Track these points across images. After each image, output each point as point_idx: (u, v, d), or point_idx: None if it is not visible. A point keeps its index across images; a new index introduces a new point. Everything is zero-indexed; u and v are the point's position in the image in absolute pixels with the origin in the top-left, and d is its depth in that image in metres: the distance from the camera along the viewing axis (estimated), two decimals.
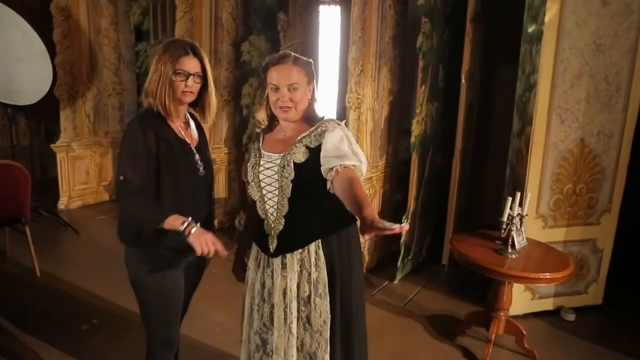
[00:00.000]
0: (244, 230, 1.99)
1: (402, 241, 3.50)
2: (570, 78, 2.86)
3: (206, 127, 1.89)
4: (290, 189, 1.65)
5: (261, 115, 1.80)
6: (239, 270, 1.98)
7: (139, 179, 1.60)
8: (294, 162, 1.64)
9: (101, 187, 4.97)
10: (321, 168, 1.60)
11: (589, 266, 3.19)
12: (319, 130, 1.65)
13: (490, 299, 2.68)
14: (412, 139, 3.43)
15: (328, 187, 1.59)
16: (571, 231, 3.09)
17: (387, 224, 1.23)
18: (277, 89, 1.64)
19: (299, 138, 1.67)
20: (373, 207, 1.37)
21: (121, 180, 1.60)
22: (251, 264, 1.86)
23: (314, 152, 1.63)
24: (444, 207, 4.34)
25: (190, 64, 1.64)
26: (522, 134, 3.07)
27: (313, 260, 1.70)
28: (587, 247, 3.17)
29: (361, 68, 3.24)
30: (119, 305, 2.97)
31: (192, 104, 1.76)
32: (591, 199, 3.08)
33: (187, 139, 1.72)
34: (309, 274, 1.70)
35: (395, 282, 3.54)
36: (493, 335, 2.63)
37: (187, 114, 1.79)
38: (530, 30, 3.01)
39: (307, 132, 1.67)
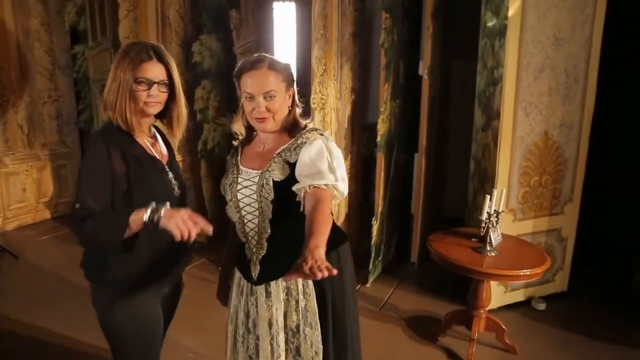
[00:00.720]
0: (227, 250, 1.80)
1: (372, 243, 3.43)
2: (533, 72, 2.88)
3: (174, 141, 1.69)
4: (272, 210, 1.48)
5: (237, 127, 1.62)
6: (224, 295, 1.81)
7: (98, 207, 1.38)
8: (273, 180, 1.46)
9: (41, 205, 4.54)
10: (294, 188, 1.42)
11: (555, 255, 3.26)
12: (299, 142, 1.48)
13: (470, 298, 2.66)
14: (378, 138, 3.36)
15: (302, 209, 1.40)
16: (538, 222, 3.14)
17: (310, 272, 1.06)
18: (252, 97, 1.46)
19: (277, 152, 1.49)
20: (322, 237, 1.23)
21: (77, 208, 1.37)
22: (233, 290, 1.69)
23: (294, 168, 1.45)
24: (407, 204, 4.33)
25: (154, 71, 1.44)
26: (488, 129, 3.07)
27: (301, 287, 1.54)
28: (553, 237, 3.23)
29: (324, 67, 3.12)
30: (75, 339, 2.69)
31: (158, 116, 1.56)
32: (555, 190, 3.14)
33: (157, 156, 1.53)
34: (297, 302, 1.54)
35: (367, 285, 3.46)
36: (476, 334, 2.61)
37: (154, 128, 1.59)
38: (490, 24, 3.01)
39: (287, 145, 1.49)
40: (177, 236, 1.23)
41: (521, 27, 2.79)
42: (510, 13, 2.75)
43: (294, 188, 1.42)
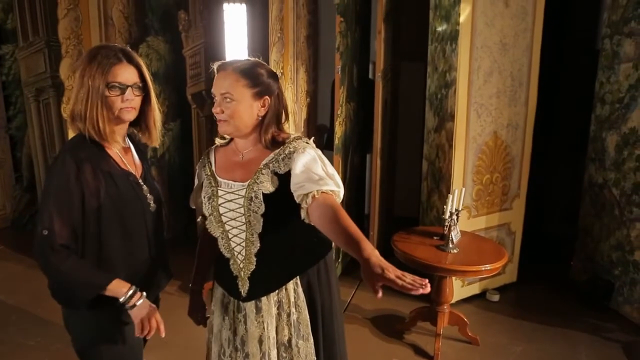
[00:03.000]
0: (198, 262, 1.71)
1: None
2: (483, 75, 3.03)
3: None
4: (261, 223, 1.42)
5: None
6: (197, 311, 1.71)
7: (68, 231, 1.29)
8: (262, 193, 1.40)
9: None
10: (294, 194, 1.37)
11: (506, 248, 3.44)
12: (286, 152, 1.41)
13: (434, 294, 2.74)
14: (336, 141, 3.38)
15: (303, 216, 1.35)
16: (491, 218, 3.31)
17: (408, 279, 1.01)
18: (214, 97, 1.43)
19: (264, 163, 1.42)
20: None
21: (44, 235, 1.27)
22: (216, 307, 1.61)
23: (284, 179, 1.40)
24: (360, 205, 4.40)
25: (126, 74, 1.35)
26: (441, 130, 3.19)
27: (292, 299, 1.49)
28: (503, 231, 3.42)
29: (281, 71, 3.09)
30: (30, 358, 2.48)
31: (132, 124, 1.47)
32: (505, 187, 3.33)
33: (131, 170, 1.44)
34: (288, 316, 1.49)
35: None
36: (441, 329, 2.70)
37: (127, 138, 1.50)
38: (440, 29, 3.13)
39: (273, 156, 1.42)
40: (138, 330, 1.35)
41: (472, 33, 2.92)
42: (461, 19, 2.88)
43: (296, 194, 1.36)
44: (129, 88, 1.36)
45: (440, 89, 3.19)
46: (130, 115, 1.39)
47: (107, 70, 1.33)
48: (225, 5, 3.71)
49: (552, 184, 4.03)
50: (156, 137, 1.48)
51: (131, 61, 1.38)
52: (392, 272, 1.04)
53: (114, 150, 1.42)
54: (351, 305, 3.26)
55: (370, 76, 4.38)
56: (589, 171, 3.40)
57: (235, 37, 3.76)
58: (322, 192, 1.34)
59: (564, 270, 3.66)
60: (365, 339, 2.87)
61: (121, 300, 1.32)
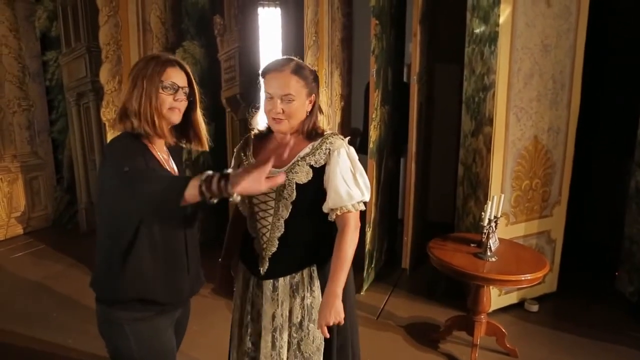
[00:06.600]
0: (228, 239, 1.80)
1: (366, 250, 3.40)
2: (523, 77, 2.93)
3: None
4: (290, 210, 1.52)
5: (257, 121, 1.69)
6: (225, 285, 1.81)
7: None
8: (295, 182, 1.50)
9: (12, 220, 4.29)
10: (324, 203, 1.52)
11: (545, 256, 3.31)
12: (323, 147, 1.53)
13: (471, 303, 2.66)
14: (370, 145, 3.34)
15: (330, 218, 1.53)
16: (530, 225, 3.19)
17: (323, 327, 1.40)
18: (271, 98, 1.50)
19: (301, 156, 1.53)
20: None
21: (127, 171, 1.26)
22: (239, 281, 1.70)
23: (318, 173, 1.52)
24: (393, 209, 4.34)
25: (178, 76, 1.42)
26: (478, 134, 3.10)
27: (307, 284, 1.58)
28: (543, 239, 3.30)
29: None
30: (68, 357, 2.54)
31: (178, 132, 1.51)
32: (545, 193, 3.21)
33: (172, 172, 1.46)
34: (302, 299, 1.58)
35: (362, 293, 3.43)
36: (478, 340, 2.62)
37: (166, 148, 1.52)
38: (478, 30, 3.05)
39: (310, 149, 1.54)
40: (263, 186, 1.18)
41: (512, 34, 2.83)
42: (501, 20, 2.79)
43: (325, 205, 1.51)
44: (180, 89, 1.41)
45: (477, 92, 3.11)
46: (176, 117, 1.43)
47: (163, 70, 1.39)
48: (260, 10, 3.76)
49: (595, 190, 3.86)
50: (205, 141, 1.53)
51: (182, 68, 1.45)
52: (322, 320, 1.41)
53: (157, 152, 1.44)
54: (384, 312, 3.21)
55: (405, 79, 4.32)
56: (636, 177, 3.24)
57: (270, 41, 3.79)
58: (346, 211, 1.50)
59: (607, 280, 3.50)
60: (398, 347, 2.81)
61: (214, 181, 1.20)
